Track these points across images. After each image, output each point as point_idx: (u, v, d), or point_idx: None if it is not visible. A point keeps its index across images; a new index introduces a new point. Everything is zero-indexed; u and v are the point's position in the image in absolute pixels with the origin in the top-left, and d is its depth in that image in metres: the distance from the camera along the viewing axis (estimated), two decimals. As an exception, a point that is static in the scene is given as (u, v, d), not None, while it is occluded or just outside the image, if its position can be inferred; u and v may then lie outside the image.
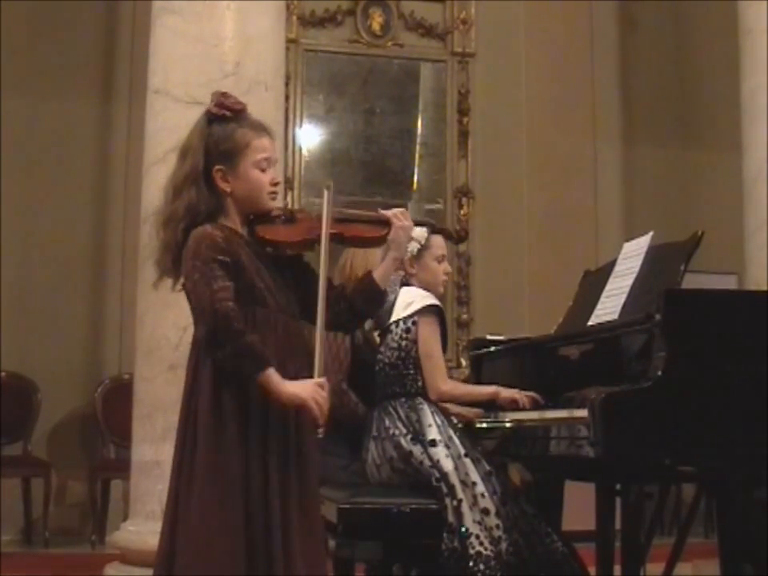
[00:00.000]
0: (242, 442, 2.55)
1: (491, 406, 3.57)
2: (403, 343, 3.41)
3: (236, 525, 2.51)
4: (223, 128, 2.74)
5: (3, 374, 7.18)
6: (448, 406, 3.55)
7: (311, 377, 2.62)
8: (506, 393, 3.43)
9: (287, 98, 7.18)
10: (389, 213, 2.89)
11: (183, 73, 4.69)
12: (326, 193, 2.77)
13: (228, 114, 2.75)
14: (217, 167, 2.71)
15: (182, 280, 2.71)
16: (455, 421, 3.50)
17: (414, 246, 3.50)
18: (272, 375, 2.54)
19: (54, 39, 7.55)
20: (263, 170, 2.74)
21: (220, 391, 2.57)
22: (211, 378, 2.59)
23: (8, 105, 7.33)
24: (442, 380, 3.38)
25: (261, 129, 2.79)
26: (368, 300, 2.86)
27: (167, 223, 2.71)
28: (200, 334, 2.61)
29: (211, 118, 2.76)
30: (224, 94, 2.79)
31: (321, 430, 2.60)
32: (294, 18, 7.82)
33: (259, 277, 2.67)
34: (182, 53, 4.72)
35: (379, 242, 2.90)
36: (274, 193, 2.78)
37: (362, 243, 3.00)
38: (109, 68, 7.75)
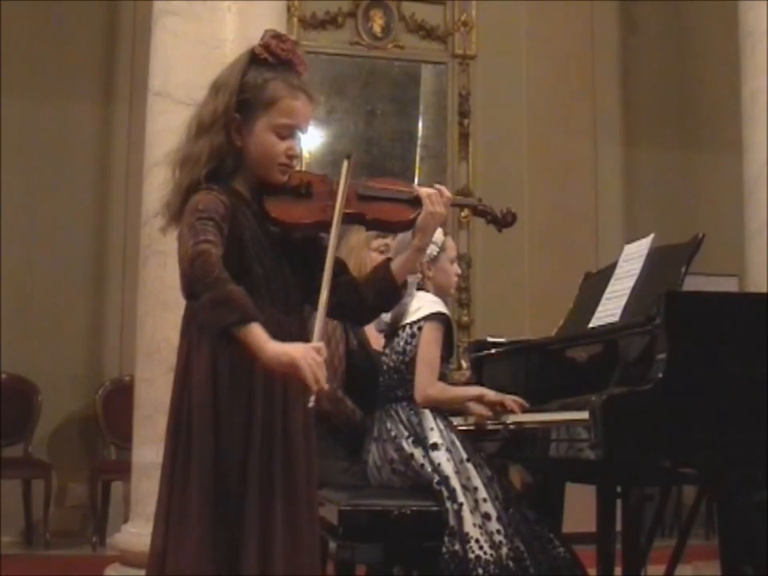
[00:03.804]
0: (242, 437, 2.31)
1: None
2: (408, 348, 3.39)
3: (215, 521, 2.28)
4: (257, 75, 2.39)
5: (4, 375, 7.18)
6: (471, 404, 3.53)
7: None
8: (492, 396, 3.41)
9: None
10: (423, 191, 2.56)
11: (184, 75, 4.68)
12: (344, 164, 2.45)
13: (271, 59, 2.39)
14: (233, 115, 2.37)
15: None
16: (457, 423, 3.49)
17: (433, 249, 3.42)
18: (256, 330, 2.14)
19: (54, 40, 7.55)
20: (282, 137, 2.40)
21: (216, 382, 2.31)
22: (206, 369, 2.32)
23: (8, 106, 7.33)
24: (430, 384, 3.35)
25: (299, 89, 2.42)
26: (381, 294, 2.53)
27: (185, 163, 2.38)
28: (183, 289, 2.21)
29: (253, 59, 2.40)
30: (277, 35, 2.42)
31: (312, 398, 2.18)
32: (295, 19, 7.83)
33: (259, 261, 2.36)
34: (182, 55, 4.72)
35: (406, 226, 2.57)
36: (286, 165, 2.42)
37: (386, 227, 2.64)
38: (109, 69, 7.75)
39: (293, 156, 2.43)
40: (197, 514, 2.31)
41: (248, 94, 2.38)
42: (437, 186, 2.63)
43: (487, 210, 2.84)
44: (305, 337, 2.39)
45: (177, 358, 2.44)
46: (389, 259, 2.63)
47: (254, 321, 2.16)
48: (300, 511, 2.37)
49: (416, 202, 2.55)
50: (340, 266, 2.55)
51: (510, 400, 3.35)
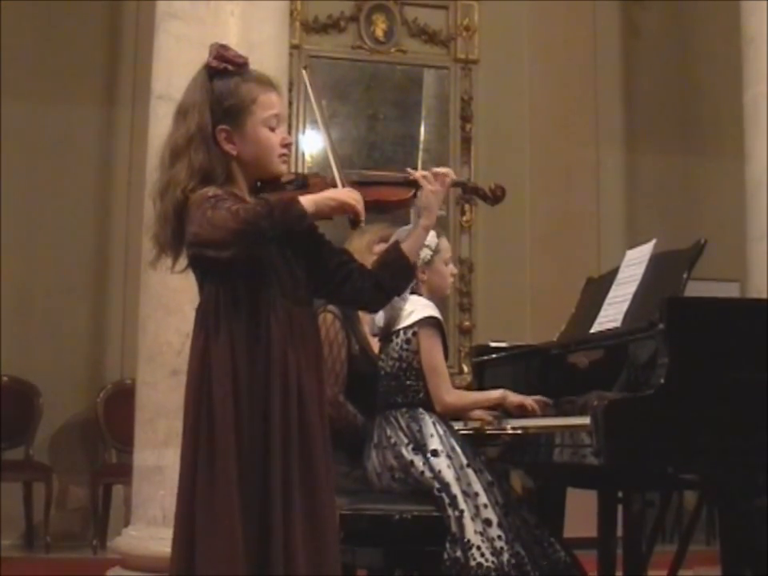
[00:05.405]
0: (262, 428, 2.36)
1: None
2: (404, 354, 3.38)
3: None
4: (226, 83, 2.48)
5: (5, 378, 7.19)
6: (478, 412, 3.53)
7: (313, 367, 2.46)
8: (514, 397, 3.40)
9: (290, 103, 7.20)
10: (418, 174, 2.71)
11: (186, 78, 4.59)
12: (304, 74, 2.64)
13: (230, 67, 2.50)
14: (220, 127, 2.46)
15: (181, 264, 2.49)
16: (457, 428, 3.48)
17: (426, 253, 3.42)
18: (306, 200, 2.35)
19: (57, 43, 7.56)
20: (272, 129, 2.50)
21: (236, 374, 2.36)
22: (226, 361, 2.37)
23: (10, 109, 7.34)
24: (446, 392, 3.35)
25: (267, 83, 2.54)
26: (396, 275, 2.65)
27: (165, 190, 2.44)
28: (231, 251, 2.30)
29: (212, 73, 2.51)
30: (223, 46, 2.53)
31: (362, 221, 2.47)
32: (298, 23, 7.83)
33: (268, 257, 2.44)
34: (185, 58, 4.71)
35: (405, 204, 2.71)
36: (285, 155, 2.53)
37: (385, 208, 2.72)
38: (112, 72, 7.77)
39: (289, 144, 2.54)
40: (224, 511, 2.32)
41: (228, 102, 2.48)
42: (433, 170, 2.76)
43: (478, 186, 3.02)
44: (315, 328, 2.56)
45: (191, 352, 2.47)
46: (398, 242, 2.71)
47: (299, 199, 2.35)
48: (322, 502, 2.44)
49: (412, 183, 2.71)
50: (348, 255, 2.67)
51: (531, 402, 3.35)
